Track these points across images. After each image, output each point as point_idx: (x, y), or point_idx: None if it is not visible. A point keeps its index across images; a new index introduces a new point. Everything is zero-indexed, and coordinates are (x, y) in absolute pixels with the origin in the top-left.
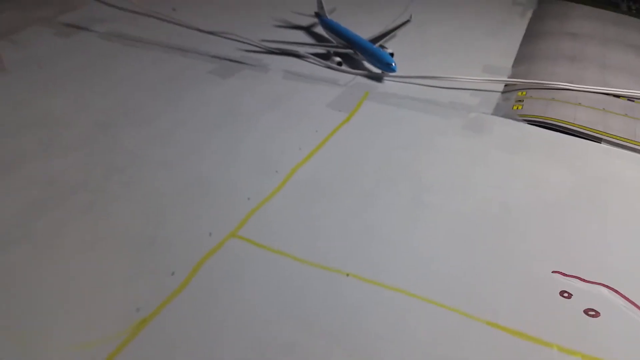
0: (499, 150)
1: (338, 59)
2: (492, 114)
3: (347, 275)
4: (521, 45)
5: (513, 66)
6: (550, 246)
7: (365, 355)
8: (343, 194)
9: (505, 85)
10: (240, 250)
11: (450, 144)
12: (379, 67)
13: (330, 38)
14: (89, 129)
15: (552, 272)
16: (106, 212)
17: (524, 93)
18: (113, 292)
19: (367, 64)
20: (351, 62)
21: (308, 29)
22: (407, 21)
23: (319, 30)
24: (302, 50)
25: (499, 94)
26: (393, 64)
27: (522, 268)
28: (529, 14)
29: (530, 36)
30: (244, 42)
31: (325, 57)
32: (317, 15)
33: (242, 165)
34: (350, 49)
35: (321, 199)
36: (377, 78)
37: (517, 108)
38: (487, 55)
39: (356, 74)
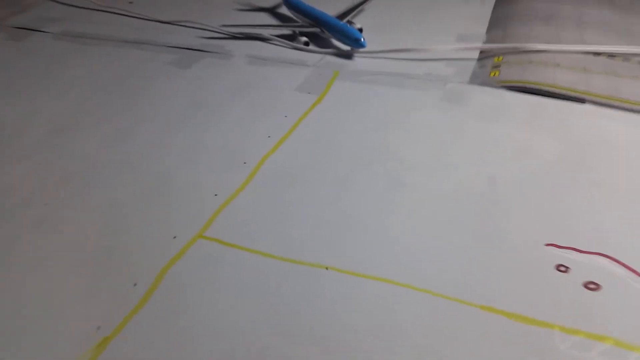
0: (478, 121)
1: (305, 38)
2: (469, 83)
3: (327, 268)
4: (494, 9)
5: (487, 32)
6: (542, 218)
7: (352, 356)
8: (316, 181)
9: (481, 52)
10: (209, 251)
11: (427, 119)
12: (347, 44)
13: (295, 18)
14: (41, 135)
15: (546, 245)
16: (60, 223)
17: (500, 58)
18: (70, 312)
19: (335, 42)
20: (319, 41)
21: (272, 10)
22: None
23: (284, 10)
24: (266, 33)
25: (475, 61)
26: (362, 39)
27: (513, 244)
28: None
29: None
30: (204, 29)
31: (291, 38)
32: None
33: (208, 160)
34: (317, 27)
35: (293, 189)
36: (347, 56)
37: (494, 74)
38: (460, 23)
39: (325, 53)
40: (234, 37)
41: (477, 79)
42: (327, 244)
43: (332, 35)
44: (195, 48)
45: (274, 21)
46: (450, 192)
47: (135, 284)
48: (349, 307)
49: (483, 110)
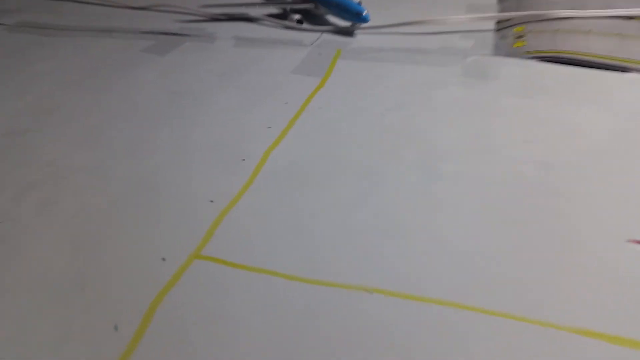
0: (511, 96)
1: (297, 16)
2: (493, 55)
3: (371, 292)
4: None
5: (499, 1)
6: (611, 207)
7: None
8: (335, 177)
9: (498, 23)
10: (208, 275)
11: (452, 97)
12: (347, 19)
13: None
14: None
15: (628, 241)
16: (18, 247)
17: (522, 28)
18: None
19: (332, 18)
20: (313, 18)
21: None
22: None
23: None
24: (253, 12)
25: (492, 33)
26: (364, 13)
27: (587, 244)
28: None
29: None
30: (180, 12)
31: (282, 16)
32: None
33: (199, 159)
34: (310, 2)
35: (309, 189)
36: (348, 32)
37: (520, 45)
38: None
39: (322, 31)
40: (215, 19)
41: (501, 51)
42: (364, 259)
43: (328, 11)
44: (173, 32)
45: None
46: (499, 182)
47: (116, 327)
48: (409, 342)
49: (515, 85)
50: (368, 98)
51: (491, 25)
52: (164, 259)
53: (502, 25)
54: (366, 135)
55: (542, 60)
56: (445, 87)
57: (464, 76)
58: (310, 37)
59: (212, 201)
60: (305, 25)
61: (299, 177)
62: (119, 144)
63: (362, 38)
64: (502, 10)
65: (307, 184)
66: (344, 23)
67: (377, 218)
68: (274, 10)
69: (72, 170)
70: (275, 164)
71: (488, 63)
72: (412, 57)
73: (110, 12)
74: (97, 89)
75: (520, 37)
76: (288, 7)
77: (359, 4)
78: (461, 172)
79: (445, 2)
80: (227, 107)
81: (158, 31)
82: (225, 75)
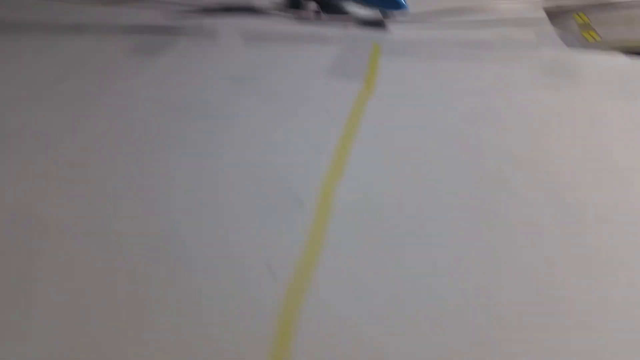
0: (615, 99)
1: (314, 5)
2: (568, 48)
3: None
4: None
5: None
6: None
7: None
8: (438, 222)
9: (547, 10)
10: None
11: (541, 102)
12: (381, 8)
13: None
14: None
15: None
16: None
17: (583, 16)
18: None
19: (352, 7)
20: (328, 8)
21: None
22: None
23: None
24: (258, 1)
25: (547, 23)
26: (402, 0)
27: None
28: None
29: None
30: (169, 2)
31: (293, 4)
32: None
33: (232, 203)
34: None
35: (412, 240)
36: (379, 24)
37: (591, 36)
38: None
39: (347, 24)
40: (213, 11)
41: (573, 43)
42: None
43: None
44: (165, 30)
45: None
46: None
47: None
48: None
49: (612, 85)
50: (435, 106)
51: (538, 12)
52: None
53: (553, 14)
54: (451, 156)
55: (629, 53)
56: (527, 90)
57: (546, 75)
58: (332, 32)
59: (269, 269)
60: (324, 17)
61: (385, 223)
62: (112, 185)
63: (399, 30)
64: None
65: (406, 233)
66: (369, 12)
67: (525, 294)
68: None
69: (46, 229)
70: (345, 207)
71: (568, 59)
72: (472, 52)
73: (79, 8)
74: (70, 105)
75: (586, 27)
76: None
77: None
78: (600, 205)
79: None
80: (251, 123)
81: (145, 29)
82: (239, 81)
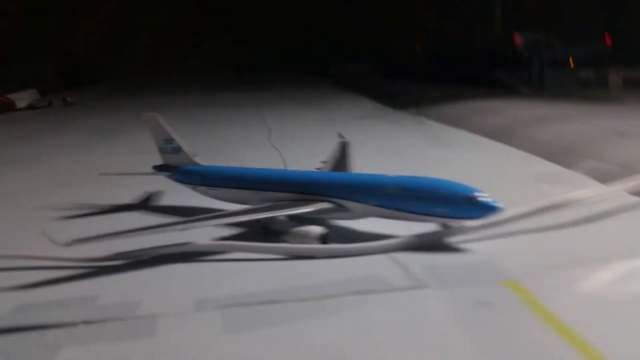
0: None
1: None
2: None
3: None
4: None
5: None
6: None
7: None
8: None
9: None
10: None
11: None
12: (449, 217)
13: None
14: None
15: None
16: None
17: None
18: None
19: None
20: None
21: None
22: (344, 141)
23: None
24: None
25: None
26: (490, 200)
27: None
28: None
29: None
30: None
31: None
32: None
33: None
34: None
35: None
36: (435, 240)
37: None
38: None
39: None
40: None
41: None
42: None
43: (398, 214)
44: None
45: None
46: None
47: None
48: None
49: None
50: None
51: (623, 194)
52: None
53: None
54: None
55: None
56: None
57: None
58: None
59: None
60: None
61: None
62: None
63: (484, 246)
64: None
65: None
66: (437, 222)
67: None
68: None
69: None
70: None
71: None
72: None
73: None
74: None
75: None
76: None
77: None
78: None
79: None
80: None
81: None
82: None
